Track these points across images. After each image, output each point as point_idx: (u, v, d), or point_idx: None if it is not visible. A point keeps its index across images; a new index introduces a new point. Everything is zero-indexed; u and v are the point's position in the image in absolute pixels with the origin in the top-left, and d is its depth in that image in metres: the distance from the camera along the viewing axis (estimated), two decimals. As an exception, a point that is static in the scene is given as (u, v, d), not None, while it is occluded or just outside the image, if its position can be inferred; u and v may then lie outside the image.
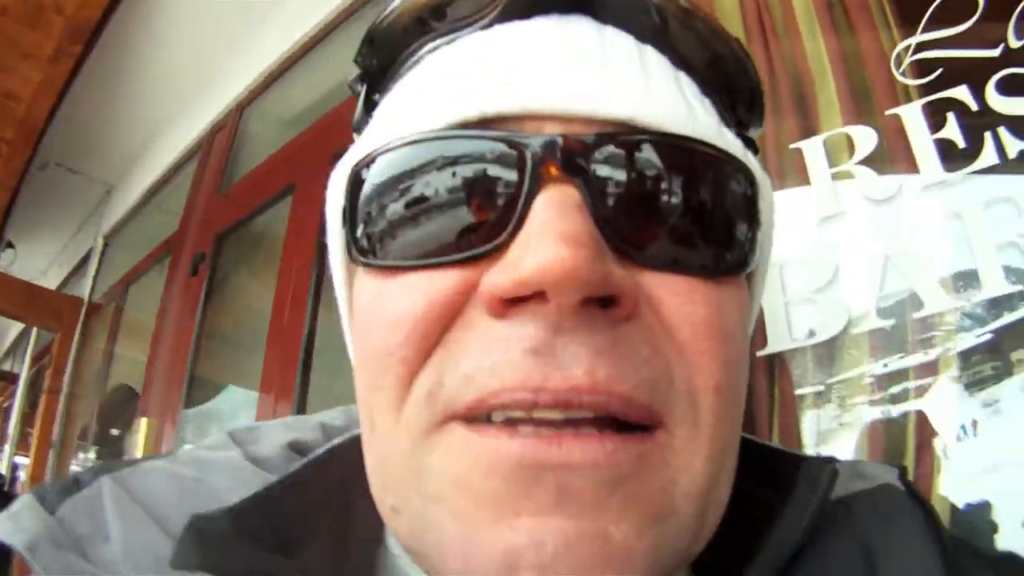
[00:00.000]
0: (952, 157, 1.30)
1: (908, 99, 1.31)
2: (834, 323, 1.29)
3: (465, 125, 0.30)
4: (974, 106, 1.30)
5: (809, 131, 1.35)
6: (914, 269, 1.28)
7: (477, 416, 0.27)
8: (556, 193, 0.27)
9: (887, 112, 1.30)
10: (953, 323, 1.31)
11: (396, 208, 0.30)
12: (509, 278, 0.26)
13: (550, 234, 0.26)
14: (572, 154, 0.28)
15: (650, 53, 0.34)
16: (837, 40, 1.37)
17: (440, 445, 0.28)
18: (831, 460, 0.36)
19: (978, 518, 1.21)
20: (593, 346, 0.26)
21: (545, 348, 0.26)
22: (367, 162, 0.31)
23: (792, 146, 1.34)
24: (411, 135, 0.30)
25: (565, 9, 0.35)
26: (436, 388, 0.28)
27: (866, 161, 1.31)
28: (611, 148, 0.28)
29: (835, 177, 1.32)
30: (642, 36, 0.35)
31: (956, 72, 1.32)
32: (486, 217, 0.28)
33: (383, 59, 0.37)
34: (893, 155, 1.32)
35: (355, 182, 0.32)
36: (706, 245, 0.30)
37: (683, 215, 0.30)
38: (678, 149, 0.30)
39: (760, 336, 1.30)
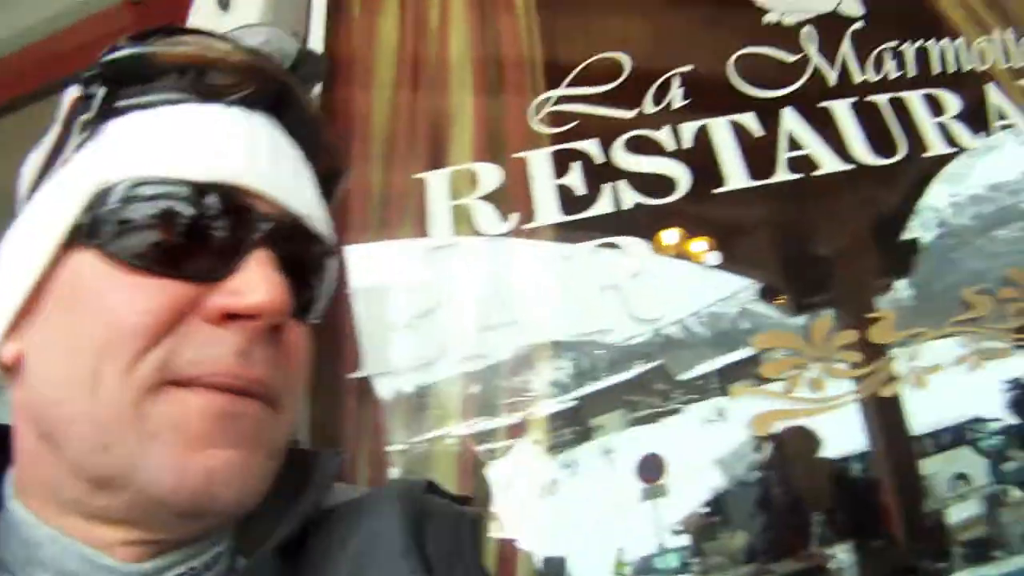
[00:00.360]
0: (570, 202, 1.50)
1: (539, 145, 1.54)
2: (433, 351, 1.33)
3: (220, 185, 0.47)
4: (600, 159, 1.52)
5: (438, 166, 1.47)
6: (519, 303, 1.37)
7: (187, 384, 0.44)
8: (264, 254, 0.46)
9: (515, 155, 1.46)
10: (539, 389, 1.44)
11: (157, 225, 0.46)
12: (242, 302, 0.45)
13: (271, 281, 0.46)
14: (278, 231, 0.48)
15: (309, 168, 0.55)
16: (484, 89, 1.55)
17: (162, 400, 0.44)
18: (339, 452, 0.58)
19: (554, 572, 1.28)
20: (267, 354, 0.46)
21: (246, 351, 0.45)
22: (141, 182, 0.46)
23: (416, 176, 1.45)
24: (182, 176, 0.46)
25: (274, 114, 0.54)
26: (167, 361, 0.44)
27: (488, 197, 1.43)
28: (294, 235, 0.50)
29: (455, 209, 1.46)
30: (306, 152, 0.56)
31: (590, 127, 1.52)
32: (214, 255, 0.46)
33: (137, 82, 0.51)
34: (515, 194, 1.49)
35: (120, 188, 0.46)
36: (312, 305, 0.53)
37: (310, 287, 0.53)
38: (321, 248, 0.53)
39: (352, 358, 1.41)
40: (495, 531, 1.26)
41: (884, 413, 1.88)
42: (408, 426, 1.39)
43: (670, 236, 1.48)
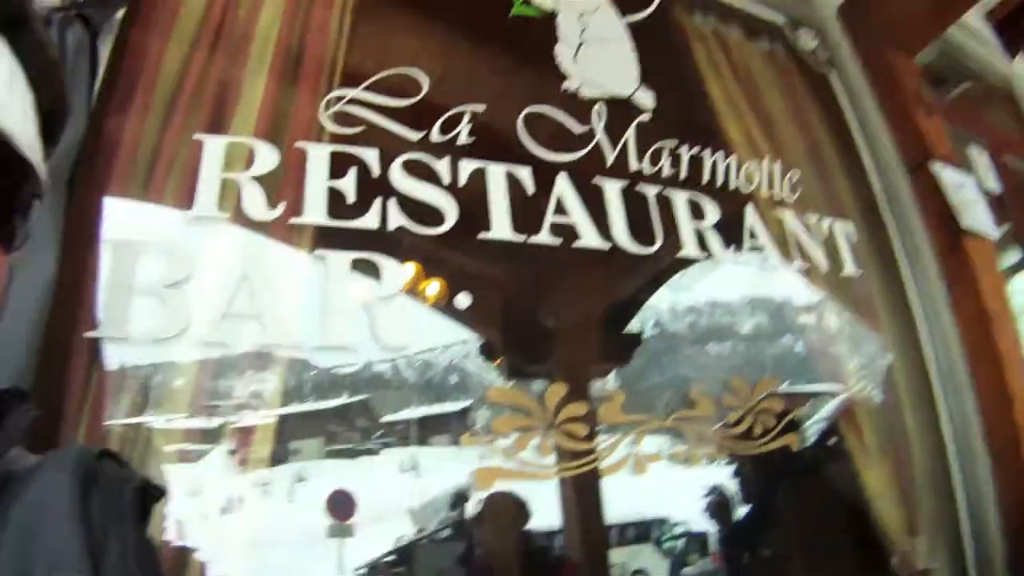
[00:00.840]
0: (339, 207, 1.78)
1: (321, 141, 1.84)
2: (172, 327, 1.57)
3: None
4: (376, 171, 1.86)
5: (219, 131, 1.77)
6: (266, 296, 1.67)
7: None
8: None
9: (296, 143, 1.82)
10: (243, 398, 1.80)
11: None
12: None
13: None
14: None
15: (31, 97, 0.67)
16: (280, 71, 1.91)
17: None
18: (30, 409, 0.70)
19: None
20: None
21: None
22: None
23: (195, 136, 1.73)
24: None
25: (6, 37, 0.64)
26: None
27: (261, 178, 1.75)
28: None
29: (224, 183, 1.72)
30: (32, 81, 0.67)
31: (374, 137, 1.88)
32: None
33: None
34: (287, 183, 1.77)
35: None
36: (13, 234, 0.64)
37: (11, 215, 0.63)
38: (26, 175, 0.65)
39: (89, 317, 1.52)
40: (174, 537, 1.50)
41: (585, 496, 2.41)
42: (129, 402, 1.59)
43: (410, 270, 1.89)
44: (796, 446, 2.35)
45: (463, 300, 2.04)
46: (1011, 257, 3.99)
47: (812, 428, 2.80)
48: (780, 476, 2.89)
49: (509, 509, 2.72)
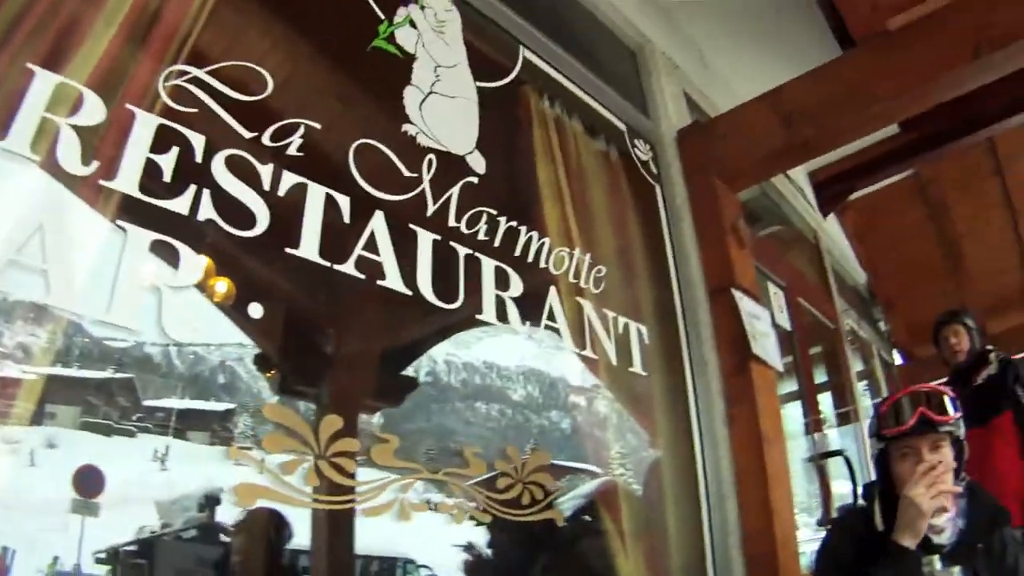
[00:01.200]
0: (153, 184, 1.87)
1: (153, 110, 1.93)
2: None
3: None
4: (199, 157, 1.97)
5: (53, 68, 1.79)
6: (57, 254, 1.69)
7: None
8: None
9: (127, 105, 1.89)
10: (8, 348, 1.76)
11: None
12: None
13: None
14: None
15: None
16: (130, 29, 1.96)
17: None
18: None
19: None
20: None
21: None
22: None
23: (28, 65, 1.75)
24: None
25: None
26: None
27: (81, 130, 1.79)
28: None
29: (43, 121, 1.74)
30: None
31: (207, 123, 1.99)
32: None
33: None
34: (108, 142, 1.82)
35: None
36: None
37: None
38: None
39: None
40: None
41: (338, 525, 2.55)
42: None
43: (205, 263, 1.98)
44: (560, 521, 2.56)
45: (254, 310, 2.15)
46: (789, 386, 4.57)
47: (570, 503, 3.06)
48: (541, 546, 3.10)
49: (272, 526, 2.83)
